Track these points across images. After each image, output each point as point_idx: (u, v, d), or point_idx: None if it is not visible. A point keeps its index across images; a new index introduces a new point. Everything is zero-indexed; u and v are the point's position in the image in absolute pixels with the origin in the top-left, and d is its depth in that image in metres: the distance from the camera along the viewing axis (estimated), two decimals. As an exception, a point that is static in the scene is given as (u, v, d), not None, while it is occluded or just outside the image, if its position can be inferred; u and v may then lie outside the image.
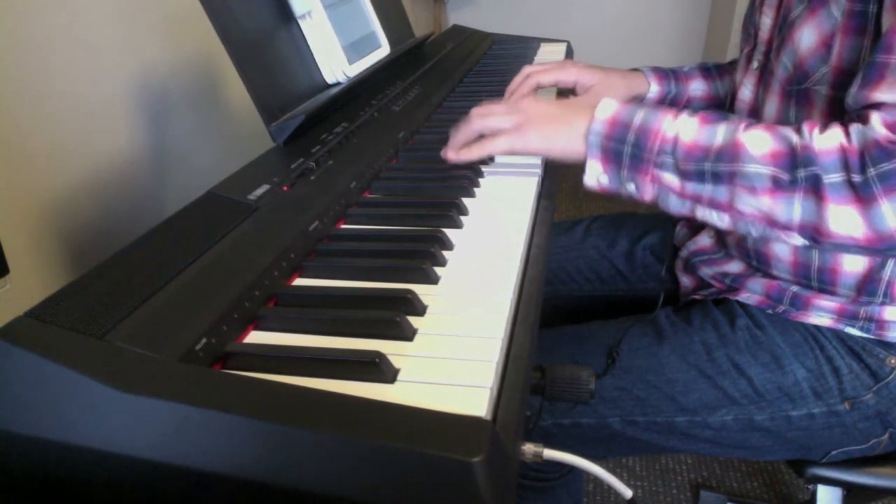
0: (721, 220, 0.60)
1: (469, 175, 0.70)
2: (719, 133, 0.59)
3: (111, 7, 0.89)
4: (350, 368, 0.41)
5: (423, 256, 0.54)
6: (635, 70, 0.94)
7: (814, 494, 0.80)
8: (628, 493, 0.50)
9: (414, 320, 0.46)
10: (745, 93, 0.76)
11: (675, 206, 0.62)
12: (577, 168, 0.66)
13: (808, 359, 0.69)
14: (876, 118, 0.53)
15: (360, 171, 0.69)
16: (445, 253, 0.56)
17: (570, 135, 0.65)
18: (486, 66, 1.23)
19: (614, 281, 0.95)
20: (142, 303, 0.43)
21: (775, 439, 0.71)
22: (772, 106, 0.70)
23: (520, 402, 0.39)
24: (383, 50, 1.03)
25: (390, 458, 0.33)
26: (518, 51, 1.33)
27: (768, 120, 0.71)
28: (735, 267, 0.77)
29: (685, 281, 0.86)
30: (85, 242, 0.84)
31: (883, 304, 0.67)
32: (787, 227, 0.56)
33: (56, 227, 0.80)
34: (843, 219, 0.53)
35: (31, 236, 0.76)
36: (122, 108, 0.92)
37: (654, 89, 0.92)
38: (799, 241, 0.57)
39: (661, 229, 0.94)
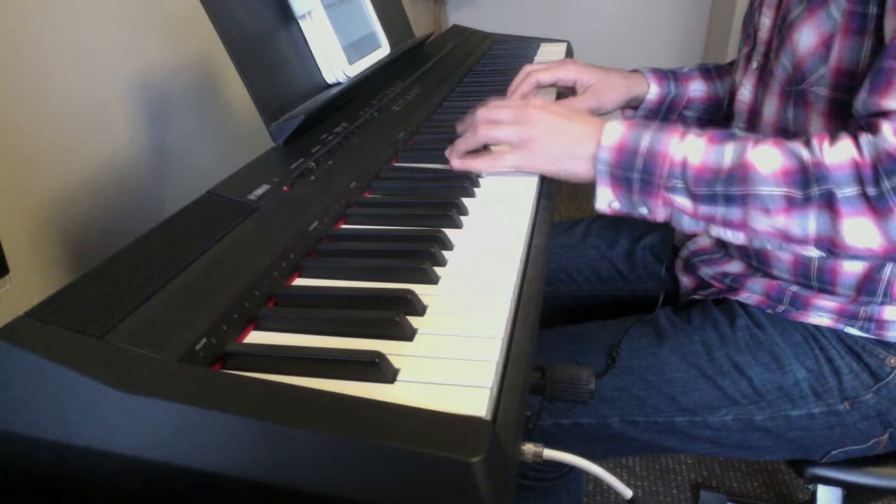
0: (736, 237, 0.61)
1: (469, 175, 0.70)
2: (728, 153, 0.58)
3: (111, 7, 0.89)
4: (350, 368, 0.41)
5: (422, 256, 0.54)
6: (635, 71, 0.94)
7: (814, 494, 0.80)
8: (628, 493, 0.50)
9: (414, 320, 0.46)
10: (745, 93, 0.76)
11: (689, 225, 0.62)
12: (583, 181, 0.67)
13: (808, 359, 0.69)
14: (887, 128, 0.53)
15: (360, 171, 0.69)
16: (445, 253, 0.56)
17: (576, 159, 0.65)
18: (486, 66, 1.23)
19: (614, 281, 0.95)
20: (142, 303, 0.43)
21: (775, 439, 0.71)
22: (771, 106, 0.70)
23: (520, 402, 0.39)
24: (383, 50, 1.03)
25: (390, 458, 0.33)
26: (518, 51, 1.33)
27: (767, 120, 0.71)
28: (735, 267, 0.77)
29: (685, 281, 0.86)
30: (85, 242, 0.84)
31: (883, 303, 0.67)
32: (802, 242, 0.57)
33: (56, 227, 0.80)
34: (860, 231, 0.53)
35: (31, 236, 0.76)
36: (122, 108, 0.92)
37: (653, 90, 0.92)
38: (815, 253, 0.57)
39: (660, 229, 0.94)
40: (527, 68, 0.90)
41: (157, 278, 0.45)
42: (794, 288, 0.71)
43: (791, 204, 0.55)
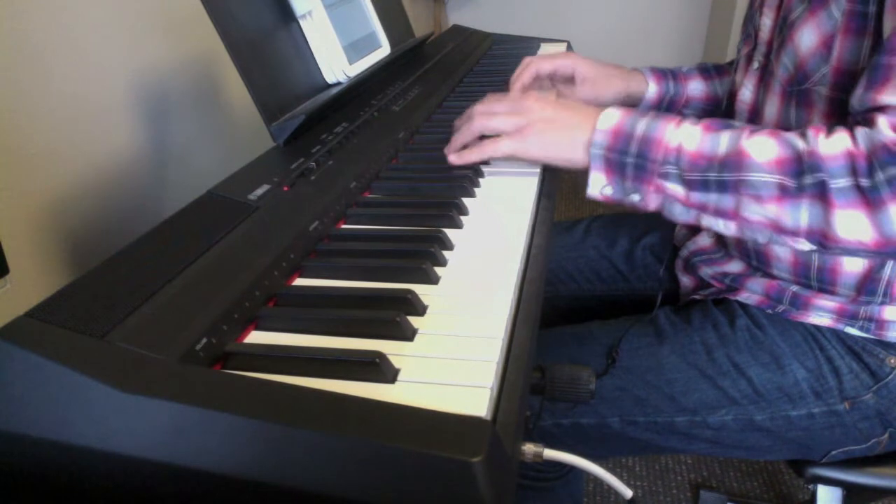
0: (727, 227, 0.60)
1: (469, 175, 0.70)
2: (723, 141, 0.59)
3: (111, 7, 0.89)
4: (350, 368, 0.41)
5: (423, 256, 0.54)
6: (634, 70, 0.94)
7: (814, 494, 0.80)
8: (628, 493, 0.50)
9: (414, 320, 0.46)
10: (746, 93, 0.76)
11: (681, 214, 0.62)
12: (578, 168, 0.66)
13: (807, 359, 0.69)
14: (883, 121, 0.53)
15: (360, 171, 0.69)
16: (445, 253, 0.56)
17: (571, 145, 0.65)
18: (486, 65, 1.23)
19: (614, 281, 0.95)
20: (142, 303, 0.43)
21: (775, 439, 0.71)
22: (772, 106, 0.70)
23: (520, 402, 0.39)
24: (383, 50, 1.03)
25: (390, 458, 0.33)
26: (518, 51, 1.33)
27: (769, 120, 0.71)
28: (735, 267, 0.77)
29: (685, 281, 0.86)
30: (85, 242, 0.84)
31: (883, 303, 0.67)
32: (794, 233, 0.56)
33: (56, 227, 0.80)
34: (851, 223, 0.53)
35: (31, 236, 0.76)
36: (122, 108, 0.92)
37: (652, 89, 0.92)
38: (806, 246, 0.57)
39: (660, 229, 0.94)
40: (527, 59, 0.90)
41: (158, 278, 0.45)
42: (794, 288, 0.71)
43: (784, 192, 0.55)
